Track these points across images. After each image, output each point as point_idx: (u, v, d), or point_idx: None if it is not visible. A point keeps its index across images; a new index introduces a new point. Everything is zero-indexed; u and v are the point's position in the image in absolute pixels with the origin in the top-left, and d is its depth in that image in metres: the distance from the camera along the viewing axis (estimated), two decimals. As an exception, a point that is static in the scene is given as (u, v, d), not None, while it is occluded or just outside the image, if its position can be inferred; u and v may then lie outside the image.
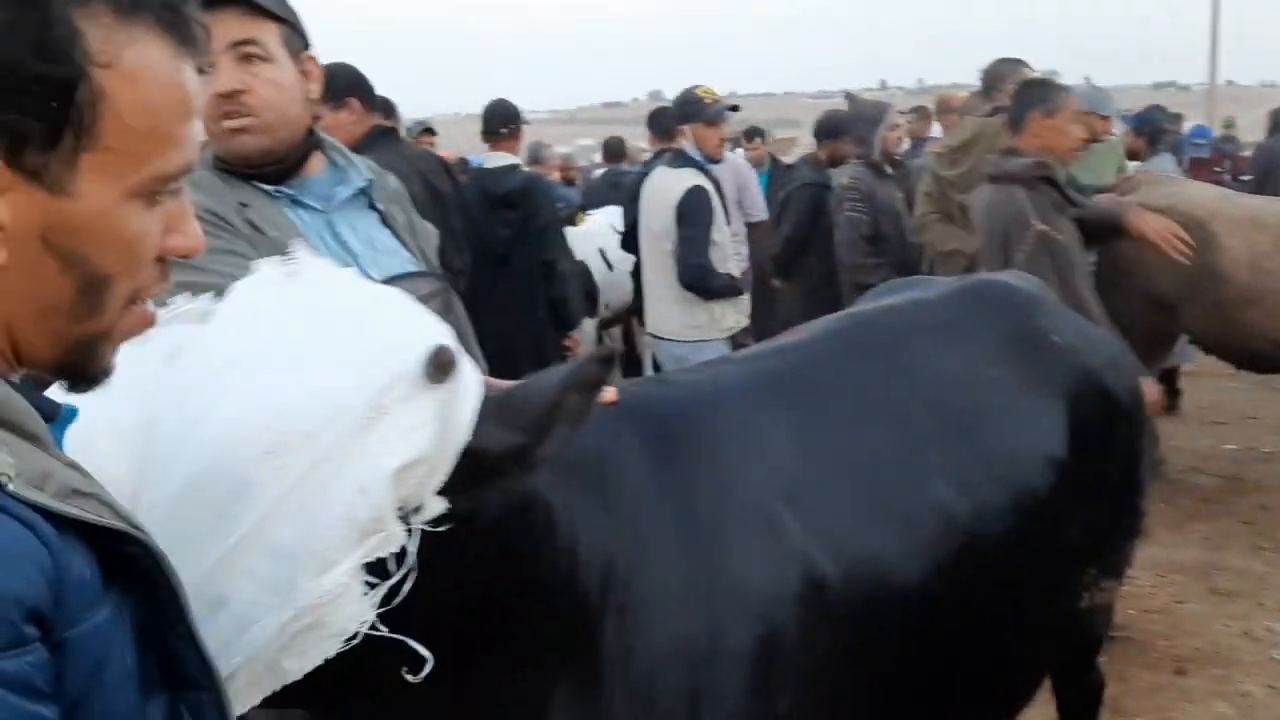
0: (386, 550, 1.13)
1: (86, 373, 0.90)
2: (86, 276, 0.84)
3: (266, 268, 1.27)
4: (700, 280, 4.69)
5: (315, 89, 1.94)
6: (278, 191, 1.91)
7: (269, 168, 1.90)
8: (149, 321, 0.93)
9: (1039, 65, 5.16)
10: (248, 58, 1.83)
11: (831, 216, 5.47)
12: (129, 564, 0.83)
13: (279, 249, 1.80)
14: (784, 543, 1.63)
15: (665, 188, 4.82)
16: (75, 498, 0.80)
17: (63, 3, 0.78)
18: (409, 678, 1.20)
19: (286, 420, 1.10)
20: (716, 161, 5.01)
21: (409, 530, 1.16)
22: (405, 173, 2.86)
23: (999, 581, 1.91)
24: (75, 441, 1.00)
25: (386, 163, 2.31)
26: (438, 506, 1.18)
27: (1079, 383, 2.12)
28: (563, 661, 1.46)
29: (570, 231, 5.86)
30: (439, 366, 1.16)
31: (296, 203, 1.93)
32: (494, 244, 4.71)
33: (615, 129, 13.20)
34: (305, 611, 1.09)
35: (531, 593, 1.42)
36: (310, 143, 1.96)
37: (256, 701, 1.12)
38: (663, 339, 5.00)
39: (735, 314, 4.87)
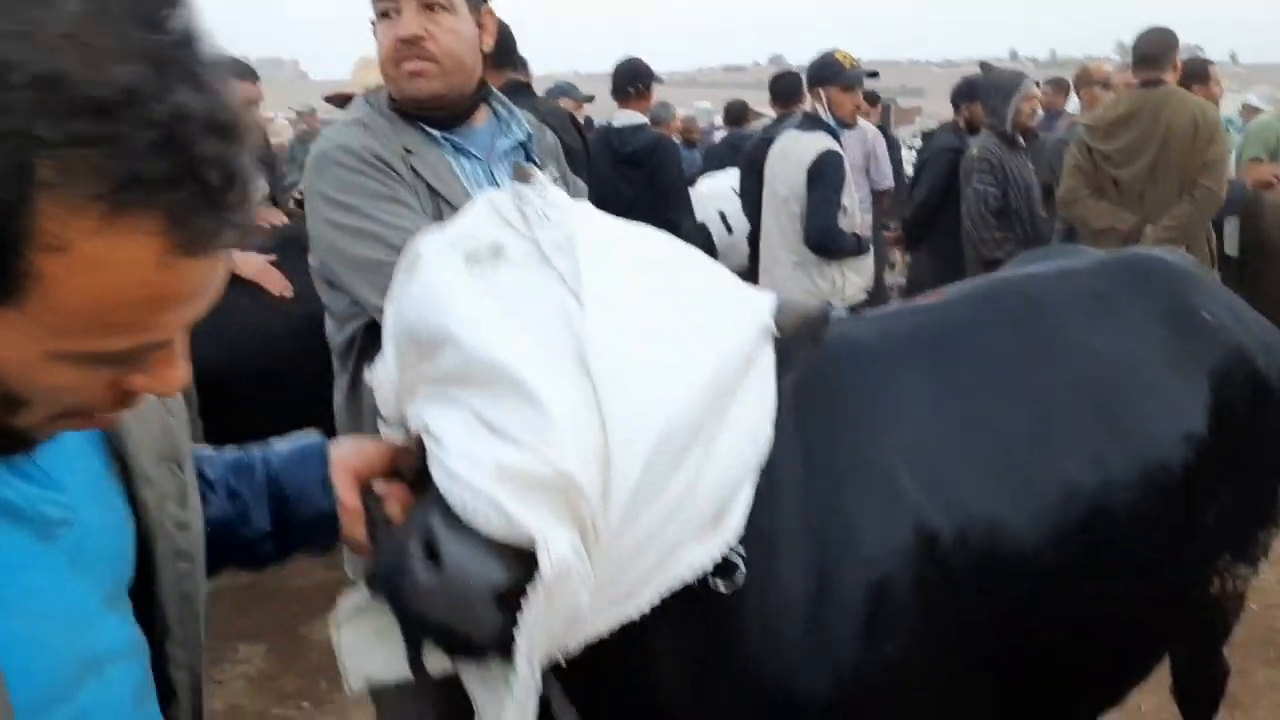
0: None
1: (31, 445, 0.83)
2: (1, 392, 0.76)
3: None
4: (828, 240, 4.66)
5: (489, 41, 2.02)
6: (444, 137, 2.00)
7: (439, 112, 1.99)
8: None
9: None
10: (430, 6, 1.92)
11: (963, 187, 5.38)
12: None
13: (439, 197, 1.94)
14: (899, 498, 1.65)
15: (797, 150, 4.79)
16: None
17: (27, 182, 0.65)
18: (721, 588, 1.36)
19: (706, 365, 1.23)
20: (849, 127, 4.95)
21: None
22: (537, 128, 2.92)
23: (1124, 558, 1.88)
24: (566, 416, 1.13)
25: None
26: None
27: (1228, 363, 2.06)
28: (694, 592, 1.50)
29: (695, 193, 5.87)
30: (800, 321, 1.37)
31: (459, 150, 2.01)
32: (618, 202, 4.75)
33: (734, 93, 13.11)
34: (719, 547, 1.24)
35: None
36: (481, 93, 2.05)
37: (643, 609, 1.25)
38: None
39: (859, 282, 4.83)
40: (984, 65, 7.07)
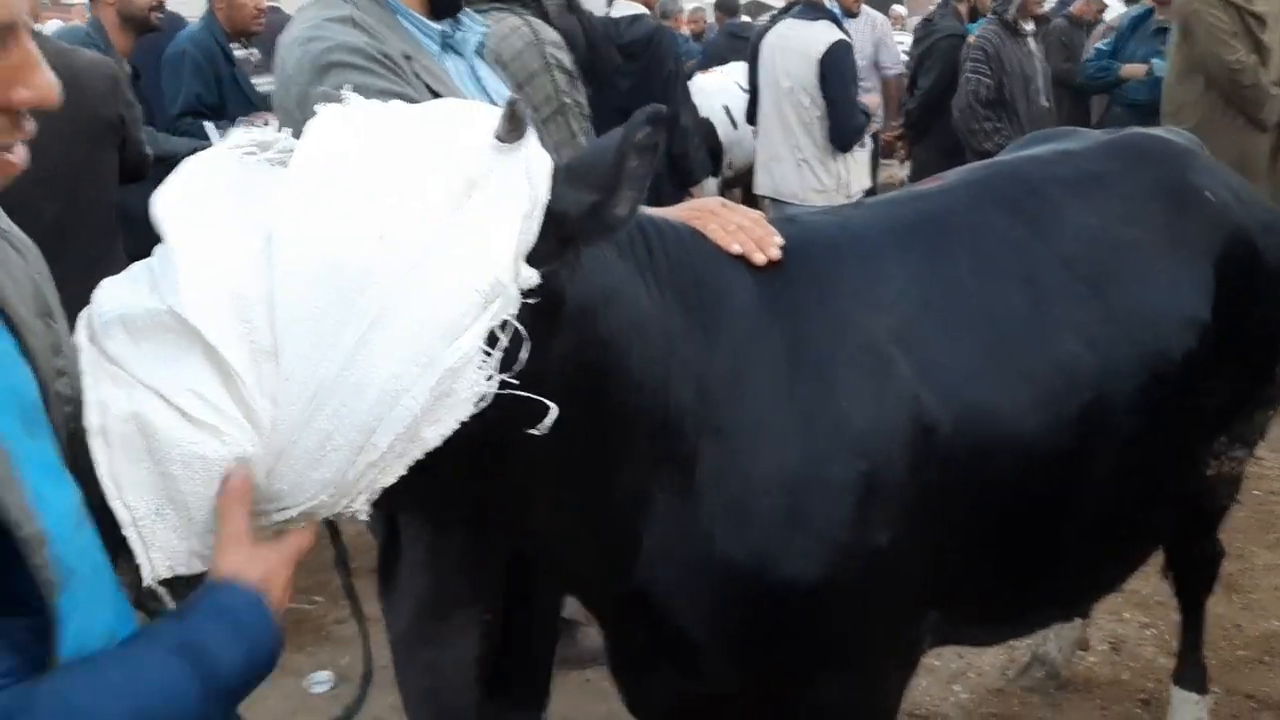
0: (508, 313, 1.22)
1: None
2: None
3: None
4: (856, 139, 4.58)
5: None
6: (440, 34, 1.95)
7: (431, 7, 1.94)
8: (9, 168, 0.96)
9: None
10: None
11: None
12: None
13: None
14: (893, 384, 1.64)
15: (802, 40, 4.66)
16: None
17: None
18: (533, 432, 1.30)
19: (388, 208, 1.19)
20: (853, 15, 4.82)
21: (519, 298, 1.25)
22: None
23: (1122, 441, 1.88)
24: (209, 265, 1.13)
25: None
26: (531, 274, 1.25)
27: (1228, 243, 2.03)
28: (657, 467, 1.54)
29: (694, 87, 5.75)
30: (511, 120, 1.25)
31: (446, 49, 1.96)
32: (614, 95, 4.65)
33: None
34: (446, 376, 1.18)
35: (623, 387, 1.49)
36: None
37: (400, 473, 1.21)
38: (783, 202, 4.89)
39: (862, 176, 4.76)
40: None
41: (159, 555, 1.13)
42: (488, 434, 1.26)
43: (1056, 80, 6.00)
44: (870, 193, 4.92)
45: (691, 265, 1.62)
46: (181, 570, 1.15)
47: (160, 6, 4.03)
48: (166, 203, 1.22)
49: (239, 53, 4.45)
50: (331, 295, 1.15)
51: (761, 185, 5.06)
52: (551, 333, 1.35)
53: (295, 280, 1.15)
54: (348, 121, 1.30)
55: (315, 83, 1.78)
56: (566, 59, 2.79)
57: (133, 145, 2.88)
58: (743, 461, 1.56)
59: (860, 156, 4.78)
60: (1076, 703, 3.00)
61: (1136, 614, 3.36)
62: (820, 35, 4.59)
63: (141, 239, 1.32)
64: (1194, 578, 2.68)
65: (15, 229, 1.13)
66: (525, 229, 1.25)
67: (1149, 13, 5.60)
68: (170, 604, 1.15)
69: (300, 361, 1.15)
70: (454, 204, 1.21)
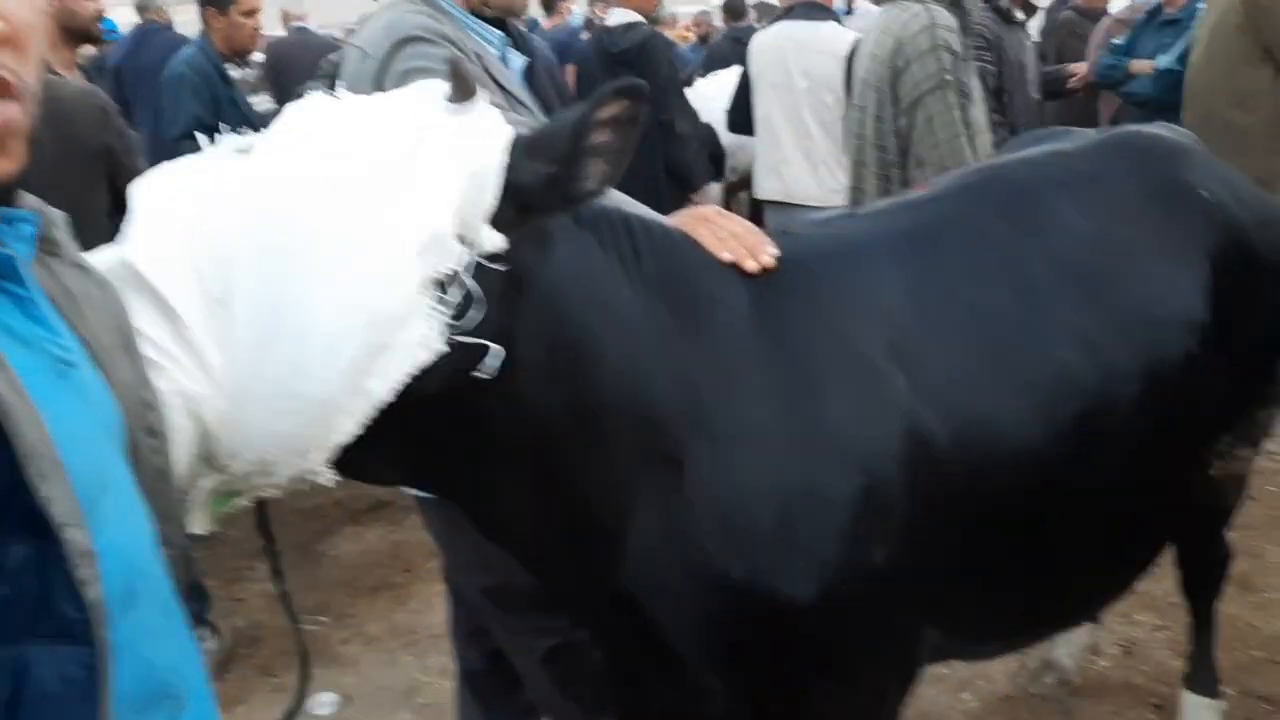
0: (445, 265, 1.27)
1: None
2: None
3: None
4: None
5: None
6: (504, 43, 2.21)
7: (503, 18, 2.21)
8: None
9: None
10: None
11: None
12: None
13: (511, 98, 2.02)
14: (888, 395, 1.62)
15: (822, 40, 4.59)
16: None
17: None
18: (479, 374, 1.34)
19: (337, 163, 1.26)
20: (848, 12, 4.80)
21: (467, 257, 1.30)
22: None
23: (1124, 445, 1.85)
24: (164, 223, 1.22)
25: None
26: (491, 237, 1.31)
27: (1224, 241, 2.00)
28: (642, 465, 1.53)
29: (696, 92, 5.74)
30: (458, 81, 1.32)
31: (505, 61, 2.19)
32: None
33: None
34: (384, 324, 1.22)
35: (600, 373, 1.49)
36: None
37: (351, 430, 1.25)
38: (793, 205, 4.85)
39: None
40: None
41: None
42: (445, 393, 1.29)
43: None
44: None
45: (681, 267, 1.62)
46: None
47: (101, 15, 4.05)
48: (142, 185, 1.29)
49: (235, 73, 4.46)
50: (277, 245, 1.22)
51: (767, 190, 5.00)
52: (519, 302, 1.38)
53: (244, 232, 1.22)
54: (323, 105, 1.37)
55: (392, 56, 1.95)
56: (955, 42, 3.27)
57: (126, 175, 2.87)
58: (734, 469, 1.55)
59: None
60: (1088, 708, 2.97)
61: (1149, 616, 3.32)
62: (840, 34, 4.59)
63: None
64: (1203, 579, 2.64)
65: (94, 265, 1.14)
66: (473, 188, 1.29)
67: (1159, 7, 5.53)
68: None
69: (249, 309, 1.20)
70: (396, 159, 1.27)
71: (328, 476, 1.28)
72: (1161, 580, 2.71)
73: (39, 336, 0.96)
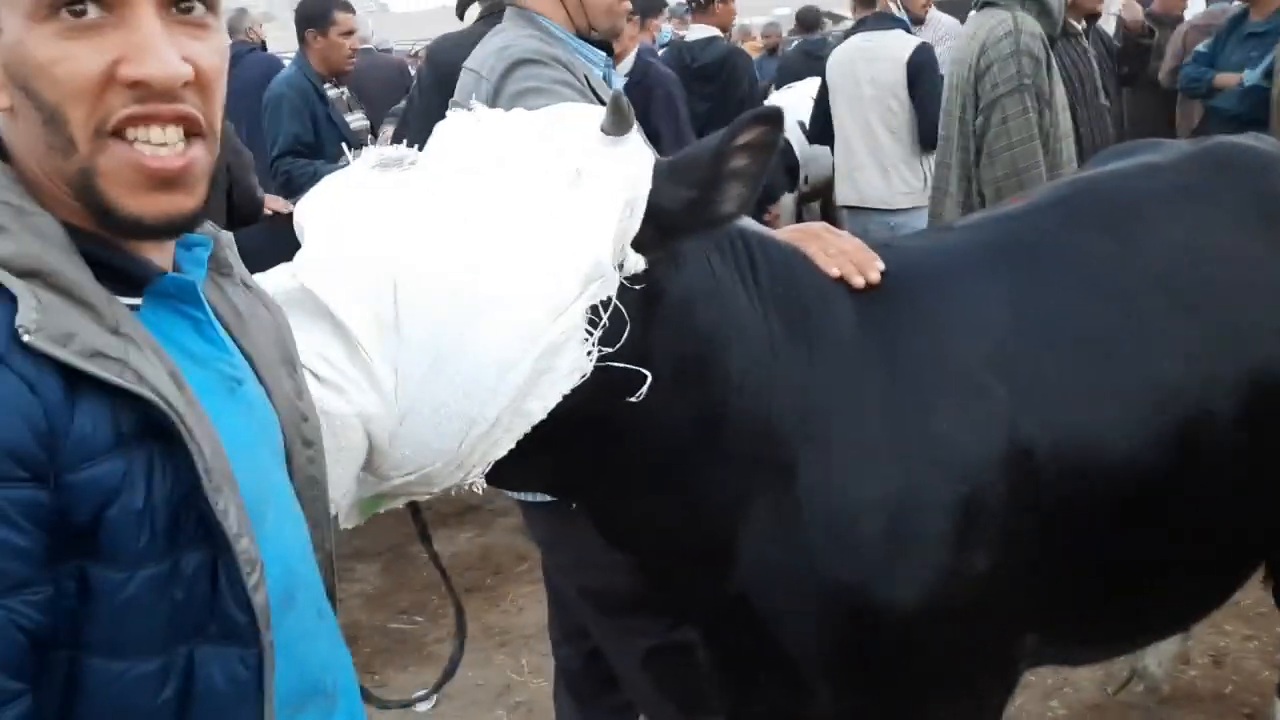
0: (607, 294, 1.33)
1: (113, 218, 0.93)
2: (41, 107, 0.91)
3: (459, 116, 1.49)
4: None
5: None
6: (607, 64, 2.34)
7: (608, 40, 2.35)
8: (139, 164, 0.92)
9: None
10: None
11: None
12: (163, 426, 0.90)
13: None
14: (991, 408, 1.66)
15: (884, 49, 4.75)
16: (97, 359, 0.87)
17: None
18: (630, 400, 1.40)
19: (503, 195, 1.31)
20: (920, 21, 4.88)
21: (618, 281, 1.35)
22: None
23: (1222, 456, 1.85)
24: (340, 250, 1.28)
25: None
26: (637, 261, 1.36)
27: None
28: (757, 473, 1.60)
29: (770, 104, 5.79)
30: (617, 113, 1.36)
31: (606, 80, 2.29)
32: (691, 118, 4.72)
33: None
34: (549, 351, 1.28)
35: (724, 385, 1.56)
36: None
37: (509, 446, 1.32)
38: (873, 209, 4.93)
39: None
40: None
41: None
42: (591, 410, 1.35)
43: (1146, 82, 5.88)
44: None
45: (794, 282, 1.68)
46: None
47: None
48: (306, 208, 1.37)
49: (331, 92, 4.62)
50: (449, 273, 1.27)
51: (844, 196, 5.13)
52: (653, 320, 1.44)
53: (417, 258, 1.27)
54: (473, 124, 1.43)
55: (506, 78, 2.05)
56: (1039, 48, 3.41)
57: (242, 189, 3.02)
58: (843, 478, 1.61)
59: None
60: (1177, 717, 2.97)
61: (1239, 626, 3.30)
62: (903, 41, 4.73)
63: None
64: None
65: (260, 285, 1.22)
66: (627, 216, 1.34)
67: (1245, 13, 5.42)
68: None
69: (419, 333, 1.26)
70: (561, 190, 1.32)
71: (480, 485, 1.36)
72: (1250, 590, 2.69)
73: (212, 356, 1.03)
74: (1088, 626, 1.94)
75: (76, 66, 0.89)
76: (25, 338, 0.84)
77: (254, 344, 1.13)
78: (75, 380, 0.87)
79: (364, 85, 5.52)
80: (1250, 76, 4.99)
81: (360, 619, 3.83)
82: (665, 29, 5.17)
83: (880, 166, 4.82)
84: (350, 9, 4.68)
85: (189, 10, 0.94)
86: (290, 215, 1.44)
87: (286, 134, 4.34)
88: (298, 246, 1.37)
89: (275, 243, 1.62)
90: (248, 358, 1.12)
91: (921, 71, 4.62)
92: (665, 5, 6.04)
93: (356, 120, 4.76)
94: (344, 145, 1.71)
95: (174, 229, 0.97)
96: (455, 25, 4.27)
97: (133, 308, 0.96)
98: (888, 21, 4.81)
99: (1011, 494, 1.65)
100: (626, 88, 2.39)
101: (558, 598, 2.48)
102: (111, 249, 0.96)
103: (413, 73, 10.31)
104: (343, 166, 1.46)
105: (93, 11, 0.89)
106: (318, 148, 4.33)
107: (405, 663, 3.55)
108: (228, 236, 1.20)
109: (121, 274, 0.96)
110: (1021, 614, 1.74)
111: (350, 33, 4.59)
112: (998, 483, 1.64)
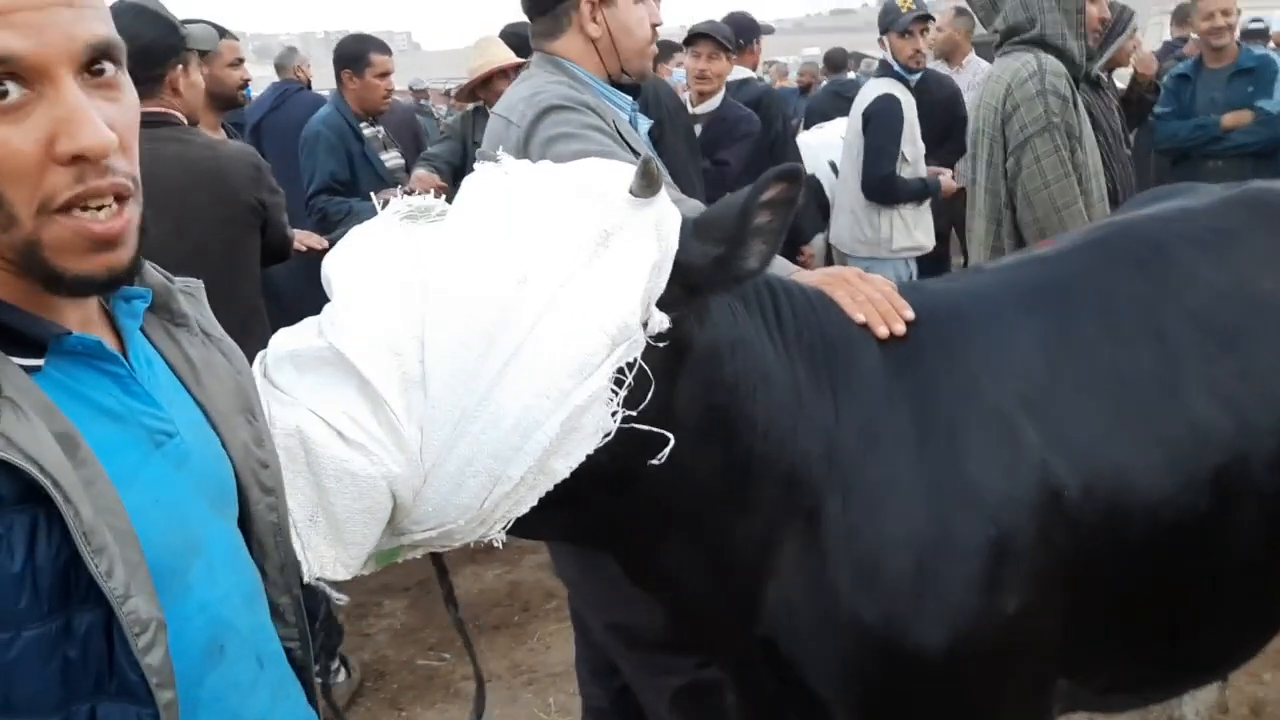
0: (633, 355, 1.33)
1: (62, 281, 0.95)
2: None
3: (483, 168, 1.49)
4: (881, 188, 4.70)
5: None
6: (633, 108, 2.36)
7: (636, 84, 2.38)
8: (86, 232, 0.94)
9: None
10: None
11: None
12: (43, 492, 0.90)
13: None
14: (1020, 448, 1.65)
15: (863, 96, 4.91)
16: None
17: None
18: (653, 462, 1.39)
19: (530, 255, 1.31)
20: (914, 71, 4.91)
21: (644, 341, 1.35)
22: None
23: (1261, 499, 1.82)
24: (367, 307, 1.27)
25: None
26: (661, 320, 1.36)
27: None
28: (784, 518, 1.60)
29: (800, 143, 5.81)
30: (646, 177, 1.35)
31: (633, 124, 2.34)
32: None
33: (843, 38, 12.88)
34: (575, 413, 1.28)
35: (750, 433, 1.56)
36: None
37: (532, 504, 1.32)
38: (845, 253, 5.04)
39: (909, 236, 4.78)
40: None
41: (313, 556, 1.25)
42: (615, 467, 1.35)
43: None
44: (923, 256, 4.90)
45: (819, 327, 1.68)
46: (329, 575, 1.27)
47: (246, 84, 4.30)
48: (334, 262, 1.37)
49: (367, 131, 4.69)
50: (475, 332, 1.27)
51: (832, 234, 5.26)
52: (679, 374, 1.44)
53: (443, 317, 1.28)
54: (499, 179, 1.44)
55: (537, 124, 2.08)
56: (1064, 87, 3.42)
57: (274, 229, 3.07)
58: (871, 521, 1.60)
59: (911, 214, 4.81)
60: (1216, 768, 2.91)
61: (1277, 676, 3.24)
62: (873, 89, 4.81)
63: (288, 311, 1.44)
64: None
65: (222, 334, 1.23)
66: (654, 277, 1.35)
67: (1196, 64, 5.61)
68: (335, 598, 1.29)
69: (445, 391, 1.26)
70: (590, 252, 1.32)
71: (500, 540, 1.36)
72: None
73: (135, 410, 1.02)
74: (1121, 672, 1.91)
75: (11, 150, 0.90)
76: None
77: (207, 393, 1.14)
78: None
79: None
80: (1270, 105, 5.22)
81: (388, 655, 3.83)
82: (676, 72, 5.22)
83: (849, 211, 4.93)
84: (386, 50, 4.76)
85: (100, 72, 0.95)
86: (323, 251, 1.45)
87: (323, 172, 4.40)
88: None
89: (310, 278, 1.64)
90: (200, 407, 1.13)
91: (872, 119, 4.70)
92: (679, 49, 6.14)
93: (391, 159, 4.82)
94: (374, 191, 1.73)
95: (117, 283, 0.99)
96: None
97: (34, 368, 0.96)
98: (883, 70, 4.96)
99: (1041, 536, 1.63)
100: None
101: (585, 636, 2.47)
102: (12, 313, 0.96)
103: (442, 111, 10.45)
104: (375, 208, 1.47)
105: (14, 92, 0.90)
106: (353, 185, 4.39)
107: (432, 699, 3.54)
108: (195, 284, 1.22)
109: (20, 336, 0.96)
110: (1052, 658, 1.72)
111: (386, 74, 4.67)
112: (1027, 525, 1.63)
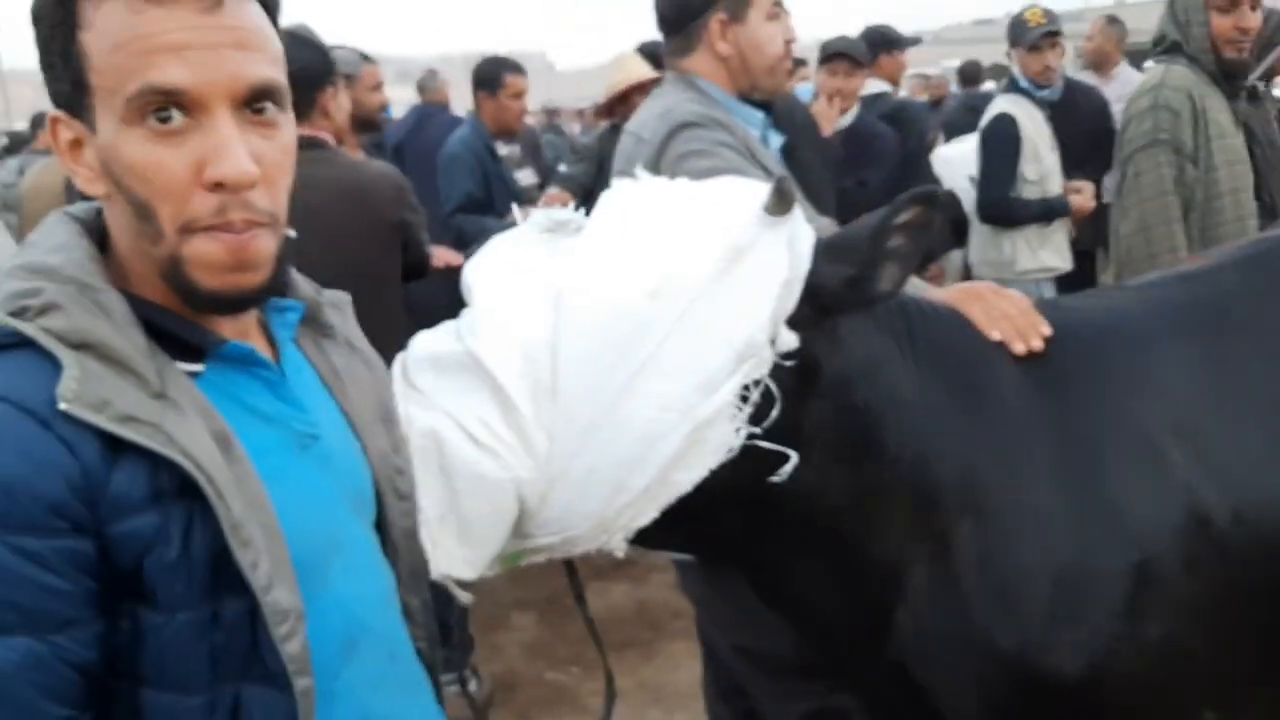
0: (760, 372, 1.34)
1: (197, 295, 1.02)
2: (133, 200, 1.00)
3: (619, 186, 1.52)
4: (996, 212, 4.51)
5: None
6: (765, 123, 2.37)
7: (769, 100, 2.38)
8: (226, 251, 1.00)
9: None
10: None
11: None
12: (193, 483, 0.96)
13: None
14: (1165, 473, 1.60)
15: (985, 117, 4.71)
16: (129, 424, 0.94)
17: None
18: (774, 479, 1.39)
19: (662, 269, 1.33)
20: (1043, 87, 4.67)
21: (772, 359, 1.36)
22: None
23: None
24: (504, 315, 1.32)
25: None
26: (790, 339, 1.37)
27: None
28: (916, 540, 1.57)
29: (938, 158, 5.70)
30: (780, 196, 1.36)
31: (764, 140, 2.34)
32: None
33: (983, 49, 12.59)
34: (700, 426, 1.30)
35: (881, 458, 1.53)
36: None
37: (654, 515, 1.34)
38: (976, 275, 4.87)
39: (1034, 258, 4.54)
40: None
41: (441, 554, 1.29)
42: (739, 483, 1.35)
43: None
44: (1065, 277, 4.67)
45: (954, 347, 1.65)
46: (455, 573, 1.30)
47: (385, 106, 4.44)
48: (475, 270, 1.42)
49: (502, 150, 4.81)
50: (606, 343, 1.30)
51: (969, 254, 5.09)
52: (808, 395, 1.44)
53: (576, 328, 1.31)
54: (635, 195, 1.47)
55: (669, 141, 2.11)
56: (1179, 100, 3.32)
57: (415, 247, 3.16)
58: (1009, 546, 1.56)
59: (1036, 235, 4.58)
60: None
61: None
62: (995, 108, 4.63)
63: (426, 325, 1.49)
64: None
65: (366, 345, 1.30)
66: (783, 296, 1.36)
67: None
68: (460, 597, 1.32)
69: (575, 399, 1.29)
70: (721, 269, 1.34)
71: (622, 549, 1.38)
72: None
73: (284, 414, 1.10)
74: (1272, 708, 1.81)
75: (165, 169, 0.98)
76: (61, 405, 0.92)
77: (350, 401, 1.21)
78: (117, 442, 0.94)
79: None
80: None
81: (518, 668, 3.88)
82: (802, 86, 5.16)
83: (977, 231, 4.79)
84: (521, 71, 4.87)
85: (261, 110, 1.02)
86: (459, 268, 1.50)
87: (460, 191, 4.53)
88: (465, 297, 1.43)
89: (448, 293, 1.70)
90: (344, 413, 1.19)
91: (985, 141, 4.56)
92: (803, 64, 6.07)
93: (526, 177, 4.92)
94: (514, 204, 1.78)
95: (245, 303, 1.07)
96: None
97: (195, 373, 1.04)
98: (1011, 85, 4.75)
99: (1187, 563, 1.57)
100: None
101: (713, 655, 2.46)
102: (178, 322, 1.05)
103: (575, 130, 10.55)
104: (511, 223, 1.51)
105: (177, 119, 0.98)
106: (488, 204, 4.51)
107: (560, 713, 3.58)
108: (341, 298, 1.29)
109: (185, 343, 1.05)
110: (1198, 689, 1.65)
111: (520, 94, 4.77)
112: (1172, 551, 1.57)
